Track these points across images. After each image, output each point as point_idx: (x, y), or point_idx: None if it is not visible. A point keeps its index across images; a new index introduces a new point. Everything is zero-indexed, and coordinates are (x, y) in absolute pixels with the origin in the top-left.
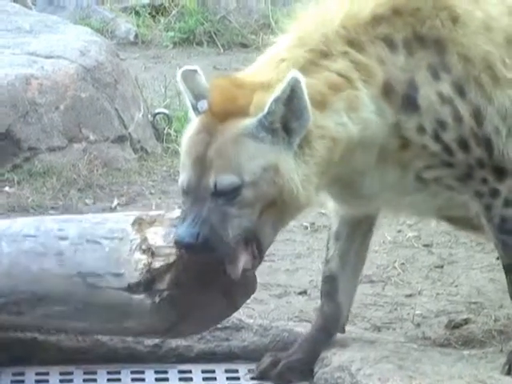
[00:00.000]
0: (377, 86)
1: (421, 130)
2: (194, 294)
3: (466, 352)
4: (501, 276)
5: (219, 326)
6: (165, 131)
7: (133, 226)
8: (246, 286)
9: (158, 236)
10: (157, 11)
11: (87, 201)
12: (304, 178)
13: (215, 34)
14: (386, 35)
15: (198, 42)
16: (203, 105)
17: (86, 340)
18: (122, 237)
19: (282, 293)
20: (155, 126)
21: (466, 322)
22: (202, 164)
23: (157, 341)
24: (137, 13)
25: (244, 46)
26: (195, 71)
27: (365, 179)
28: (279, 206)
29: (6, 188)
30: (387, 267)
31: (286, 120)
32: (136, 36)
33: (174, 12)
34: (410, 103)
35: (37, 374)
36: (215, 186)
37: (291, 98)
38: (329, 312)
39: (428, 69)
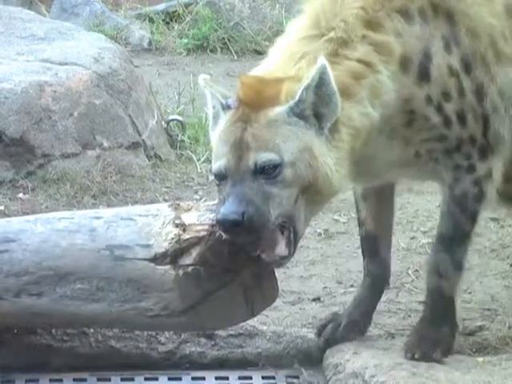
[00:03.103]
0: (395, 61)
1: (428, 100)
2: (217, 280)
3: (480, 359)
4: None
5: (232, 332)
6: (178, 138)
7: (169, 207)
8: (266, 292)
9: (192, 217)
10: (171, 18)
11: (101, 207)
12: (336, 162)
13: (229, 40)
14: (401, 6)
15: (212, 48)
16: (234, 101)
17: (100, 346)
18: (157, 214)
19: (295, 299)
20: (169, 133)
21: (480, 328)
22: (239, 147)
23: (171, 347)
24: (151, 19)
25: (258, 52)
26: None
27: (375, 160)
28: (313, 191)
29: (20, 194)
30: (401, 274)
31: (316, 106)
32: (150, 43)
33: (187, 19)
34: (424, 72)
35: (51, 380)
36: (255, 164)
37: (320, 85)
38: (375, 269)
39: (441, 39)
